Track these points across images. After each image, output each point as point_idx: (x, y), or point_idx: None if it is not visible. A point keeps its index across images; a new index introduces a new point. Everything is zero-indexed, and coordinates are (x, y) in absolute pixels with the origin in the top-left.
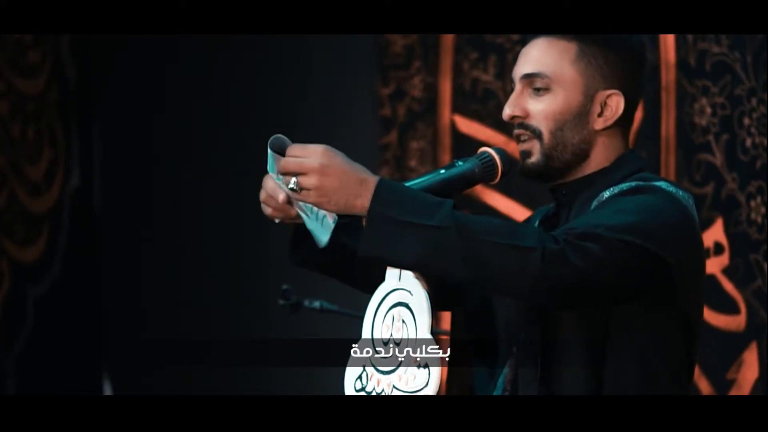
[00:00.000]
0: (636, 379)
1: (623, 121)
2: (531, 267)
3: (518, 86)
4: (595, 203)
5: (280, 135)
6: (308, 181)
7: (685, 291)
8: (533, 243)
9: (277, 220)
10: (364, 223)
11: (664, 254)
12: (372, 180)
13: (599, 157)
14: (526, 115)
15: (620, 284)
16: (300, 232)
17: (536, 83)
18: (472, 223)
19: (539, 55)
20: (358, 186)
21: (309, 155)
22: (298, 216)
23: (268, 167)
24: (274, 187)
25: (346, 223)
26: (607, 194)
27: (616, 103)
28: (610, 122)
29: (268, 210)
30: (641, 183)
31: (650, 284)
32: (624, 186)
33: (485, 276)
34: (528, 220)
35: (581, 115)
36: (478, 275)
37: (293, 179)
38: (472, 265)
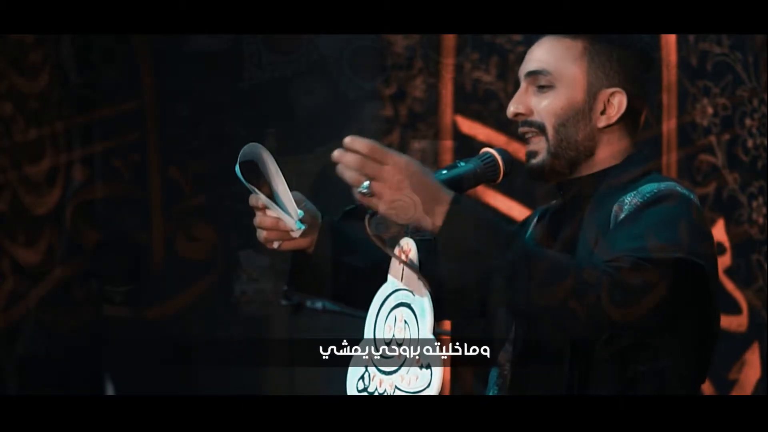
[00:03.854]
0: (657, 383)
1: (627, 120)
2: (593, 309)
3: (523, 84)
4: (615, 207)
5: (255, 143)
6: (382, 189)
7: (714, 292)
8: (597, 283)
9: (276, 245)
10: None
11: (700, 261)
12: (445, 198)
13: (605, 155)
14: (530, 112)
15: (672, 302)
16: (298, 259)
17: (540, 80)
18: (539, 258)
19: (543, 53)
20: (431, 203)
21: (389, 163)
22: (297, 241)
23: (237, 171)
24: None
25: (343, 244)
26: (627, 200)
27: (619, 102)
28: (612, 120)
29: (263, 235)
30: (662, 189)
31: (694, 294)
32: (646, 192)
33: (549, 314)
34: (525, 222)
35: (584, 112)
36: (541, 316)
37: (366, 182)
38: (535, 302)
